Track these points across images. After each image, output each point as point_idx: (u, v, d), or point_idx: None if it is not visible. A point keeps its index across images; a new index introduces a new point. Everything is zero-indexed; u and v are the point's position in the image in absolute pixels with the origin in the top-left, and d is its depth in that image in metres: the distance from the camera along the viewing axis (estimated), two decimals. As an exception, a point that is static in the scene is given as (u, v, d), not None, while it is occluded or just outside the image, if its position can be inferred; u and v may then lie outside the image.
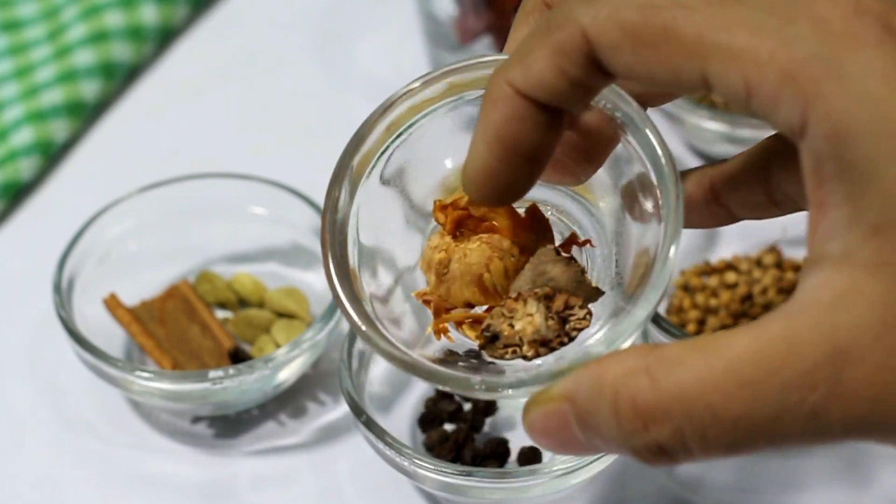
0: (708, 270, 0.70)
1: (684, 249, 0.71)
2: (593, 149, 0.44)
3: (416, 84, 0.45)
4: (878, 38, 0.34)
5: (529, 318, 0.43)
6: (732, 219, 0.45)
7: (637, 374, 0.36)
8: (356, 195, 0.45)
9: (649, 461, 0.37)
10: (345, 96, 0.83)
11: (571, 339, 0.43)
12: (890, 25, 0.35)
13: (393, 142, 0.45)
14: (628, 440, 0.37)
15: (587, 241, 0.46)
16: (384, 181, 0.46)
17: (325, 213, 0.44)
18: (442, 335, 0.45)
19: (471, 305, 0.45)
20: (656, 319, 0.63)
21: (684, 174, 0.45)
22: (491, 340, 0.43)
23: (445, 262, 0.44)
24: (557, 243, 0.46)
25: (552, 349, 0.43)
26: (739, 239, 0.72)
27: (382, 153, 0.45)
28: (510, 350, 0.43)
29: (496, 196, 0.41)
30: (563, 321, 0.43)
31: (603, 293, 0.44)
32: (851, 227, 0.35)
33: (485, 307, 0.45)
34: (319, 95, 0.84)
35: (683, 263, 0.71)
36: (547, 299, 0.43)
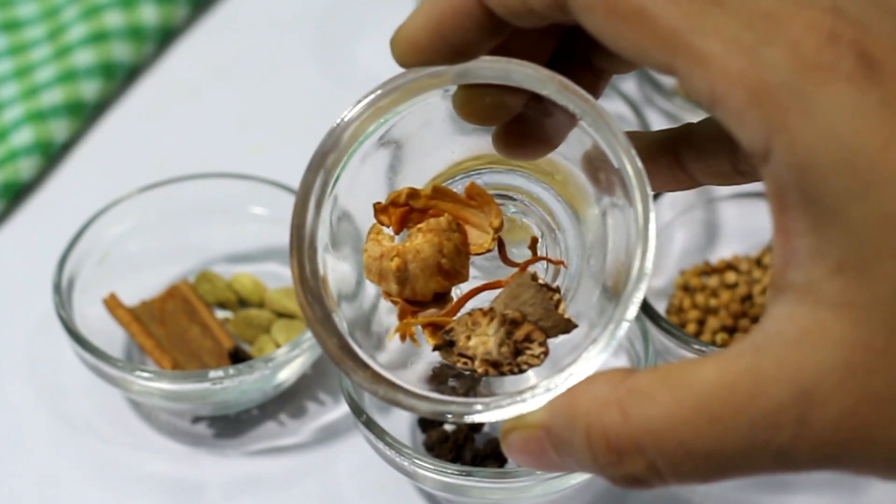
0: (708, 270, 0.70)
1: (684, 249, 0.71)
2: (549, 130, 0.44)
3: (380, 91, 0.44)
4: (849, 71, 0.34)
5: (484, 339, 0.43)
6: (695, 184, 0.45)
7: (608, 407, 0.37)
8: (323, 209, 0.45)
9: (625, 488, 0.38)
10: (345, 96, 0.82)
11: (521, 371, 0.43)
12: (864, 54, 0.34)
13: (357, 150, 0.45)
14: (603, 470, 0.37)
15: (561, 262, 0.46)
16: (355, 187, 0.46)
17: (292, 231, 0.44)
18: (408, 338, 0.45)
19: (439, 295, 0.45)
20: (656, 320, 0.63)
21: (648, 136, 0.45)
22: (448, 345, 0.43)
23: (403, 267, 0.44)
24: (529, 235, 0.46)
25: (502, 373, 0.43)
26: (739, 239, 0.72)
27: (347, 163, 0.45)
28: (463, 360, 0.43)
29: (413, 64, 0.42)
30: (518, 352, 0.43)
31: (576, 326, 0.44)
32: (816, 260, 0.35)
33: (446, 309, 0.45)
34: (319, 95, 0.84)
35: (683, 263, 0.71)
36: (512, 324, 0.43)
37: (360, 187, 0.46)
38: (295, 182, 0.70)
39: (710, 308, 0.67)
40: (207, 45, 0.88)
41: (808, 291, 0.35)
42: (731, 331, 0.66)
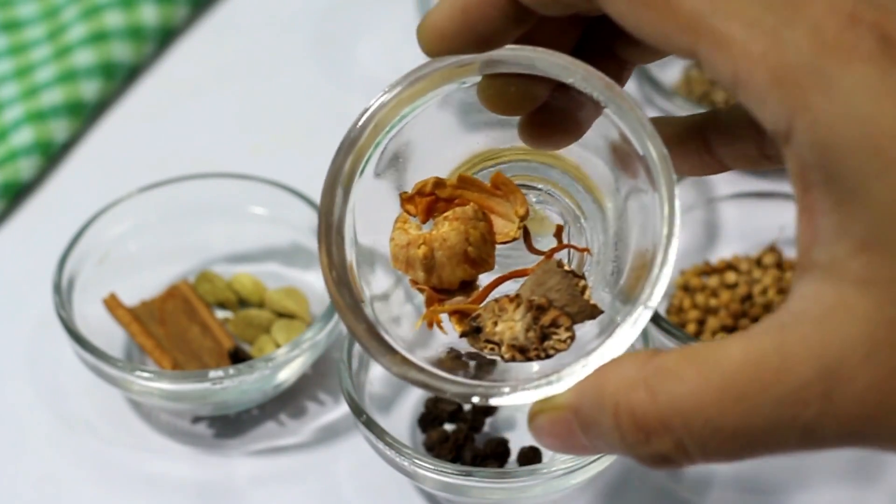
0: (708, 270, 0.70)
1: (684, 249, 0.71)
2: (575, 119, 0.44)
3: (404, 81, 0.45)
4: (870, 51, 0.35)
5: (511, 324, 0.43)
6: (723, 168, 0.45)
7: (635, 387, 0.37)
8: (350, 196, 0.45)
9: (653, 467, 0.38)
10: (345, 96, 0.83)
11: (548, 356, 0.44)
12: (885, 36, 0.35)
13: (383, 139, 0.45)
14: (632, 449, 0.37)
15: (586, 250, 0.46)
16: (378, 179, 0.46)
17: (321, 218, 0.44)
18: (435, 326, 0.45)
19: (465, 283, 0.45)
20: (656, 320, 0.63)
21: (677, 121, 0.45)
22: (474, 331, 0.44)
23: (429, 254, 0.45)
24: (553, 225, 0.47)
25: (529, 359, 0.44)
26: (739, 239, 0.72)
27: (374, 152, 0.45)
28: (490, 346, 0.43)
29: (438, 53, 0.43)
30: (544, 337, 0.44)
31: (602, 312, 0.44)
32: (839, 238, 0.35)
33: (473, 297, 0.46)
34: (319, 95, 0.84)
35: (683, 263, 0.70)
36: (538, 310, 0.43)
37: (379, 181, 0.46)
38: (295, 182, 0.70)
39: (710, 308, 0.67)
40: (207, 45, 0.88)
41: (833, 269, 0.35)
42: (731, 330, 0.66)
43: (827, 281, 0.35)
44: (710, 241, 0.72)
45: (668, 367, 0.37)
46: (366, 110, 0.44)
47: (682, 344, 0.62)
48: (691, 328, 0.67)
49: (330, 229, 0.44)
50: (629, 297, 0.42)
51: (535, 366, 0.44)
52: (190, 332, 0.68)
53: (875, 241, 0.34)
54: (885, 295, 0.35)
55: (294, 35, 0.88)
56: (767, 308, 0.67)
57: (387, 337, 0.43)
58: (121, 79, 0.84)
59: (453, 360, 0.45)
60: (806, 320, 0.35)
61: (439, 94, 0.45)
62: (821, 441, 0.36)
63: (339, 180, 0.44)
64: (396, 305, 0.46)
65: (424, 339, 0.45)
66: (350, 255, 0.44)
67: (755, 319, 0.67)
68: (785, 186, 0.70)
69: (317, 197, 0.45)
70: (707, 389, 0.36)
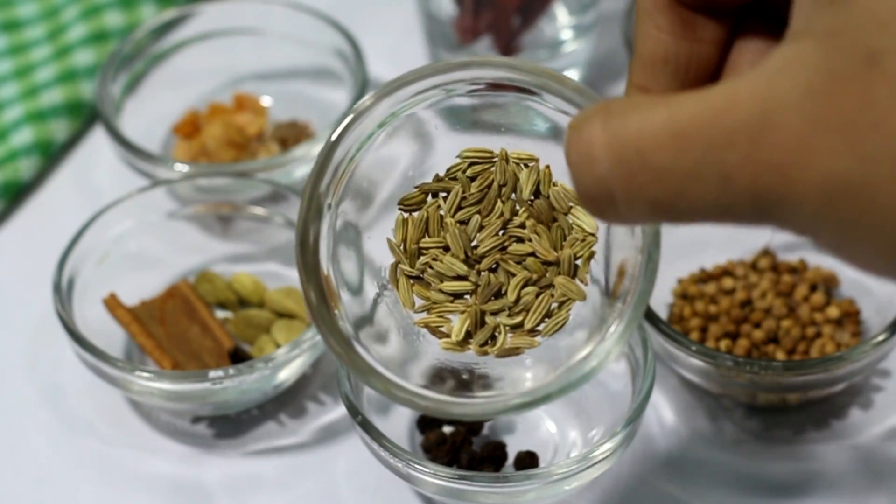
0: (704, 277, 0.69)
1: (679, 257, 0.70)
2: None
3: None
4: None
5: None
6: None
7: (595, 116, 0.37)
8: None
9: (593, 209, 0.38)
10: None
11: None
12: None
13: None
14: (579, 172, 0.38)
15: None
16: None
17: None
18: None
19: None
20: (659, 326, 0.62)
21: None
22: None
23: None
24: None
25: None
26: (733, 244, 0.71)
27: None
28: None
29: None
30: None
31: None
32: (813, 1, 0.35)
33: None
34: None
35: (679, 272, 0.70)
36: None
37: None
38: (294, 182, 0.70)
39: (711, 315, 0.67)
40: (207, 44, 0.87)
41: (804, 30, 0.35)
42: (734, 336, 0.66)
43: (795, 40, 0.35)
44: (702, 248, 0.71)
45: (633, 103, 0.37)
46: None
47: (688, 352, 0.62)
48: (695, 336, 0.66)
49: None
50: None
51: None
52: (190, 332, 0.69)
53: None
54: (835, 45, 0.34)
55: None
56: (769, 312, 0.67)
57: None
58: (121, 78, 0.84)
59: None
60: (762, 72, 0.35)
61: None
62: (735, 197, 0.35)
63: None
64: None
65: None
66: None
67: (758, 325, 0.66)
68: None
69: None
70: (652, 124, 0.36)
